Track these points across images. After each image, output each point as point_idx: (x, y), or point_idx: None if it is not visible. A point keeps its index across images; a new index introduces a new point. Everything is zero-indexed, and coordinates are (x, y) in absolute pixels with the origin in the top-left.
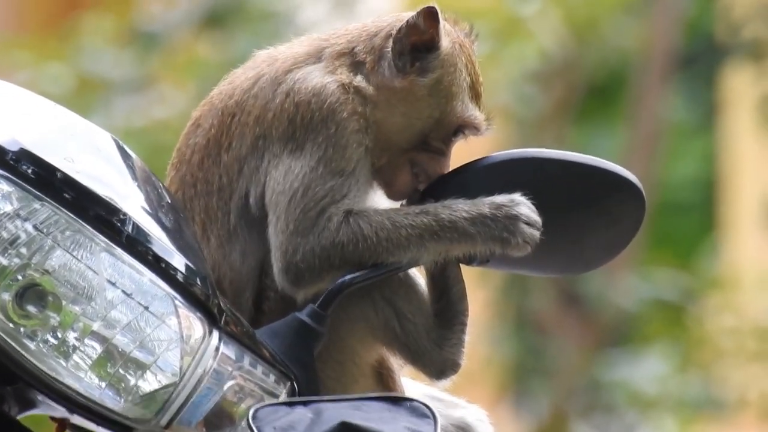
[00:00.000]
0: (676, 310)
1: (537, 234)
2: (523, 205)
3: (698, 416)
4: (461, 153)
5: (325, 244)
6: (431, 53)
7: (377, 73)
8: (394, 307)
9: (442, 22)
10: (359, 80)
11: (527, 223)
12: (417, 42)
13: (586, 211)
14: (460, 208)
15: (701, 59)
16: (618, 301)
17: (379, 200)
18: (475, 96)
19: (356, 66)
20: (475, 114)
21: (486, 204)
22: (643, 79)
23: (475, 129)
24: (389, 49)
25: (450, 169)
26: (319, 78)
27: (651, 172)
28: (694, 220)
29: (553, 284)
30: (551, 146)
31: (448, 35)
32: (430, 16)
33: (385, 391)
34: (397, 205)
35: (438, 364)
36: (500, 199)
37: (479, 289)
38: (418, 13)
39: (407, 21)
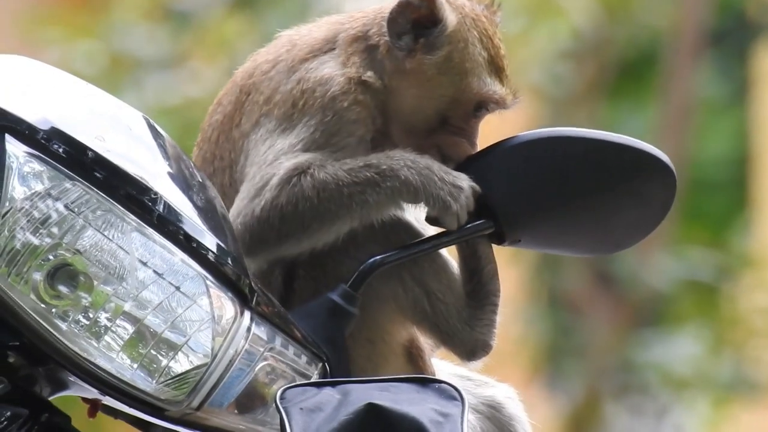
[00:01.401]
0: (708, 290)
1: (465, 216)
2: (466, 182)
3: (731, 397)
4: (490, 132)
5: (265, 205)
6: (435, 28)
7: (392, 56)
8: (423, 287)
9: None
10: (369, 74)
11: (467, 201)
12: (418, 19)
13: (617, 191)
14: (406, 157)
15: (732, 36)
16: (650, 280)
17: None
18: (496, 70)
19: (370, 51)
20: (495, 89)
21: (436, 164)
22: (674, 56)
23: (496, 104)
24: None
25: (477, 148)
26: (329, 70)
27: (682, 150)
28: (726, 197)
29: (585, 264)
30: (583, 125)
31: (456, 9)
32: None
33: (415, 371)
34: None
35: (469, 345)
36: (450, 171)
37: (511, 268)
38: None
39: (399, 1)
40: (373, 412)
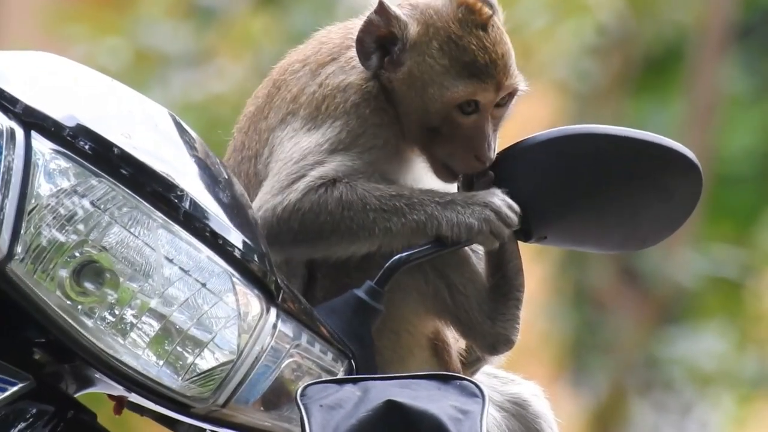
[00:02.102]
0: (733, 286)
1: (506, 230)
2: (497, 197)
3: (756, 393)
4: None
5: (288, 206)
6: (396, 45)
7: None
8: (445, 279)
9: (395, 11)
10: (370, 85)
11: (497, 214)
12: (382, 37)
13: (643, 188)
14: (435, 193)
15: (758, 31)
16: (675, 276)
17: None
18: (463, 67)
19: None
20: (458, 89)
21: (462, 194)
22: (699, 51)
23: (472, 101)
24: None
25: (485, 146)
26: (342, 76)
27: (707, 145)
28: (752, 192)
29: (611, 260)
30: (609, 121)
31: (423, 20)
32: (381, 9)
33: (440, 364)
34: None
35: (490, 338)
36: (479, 193)
37: (537, 264)
38: (373, 8)
39: (364, 20)
40: (392, 409)
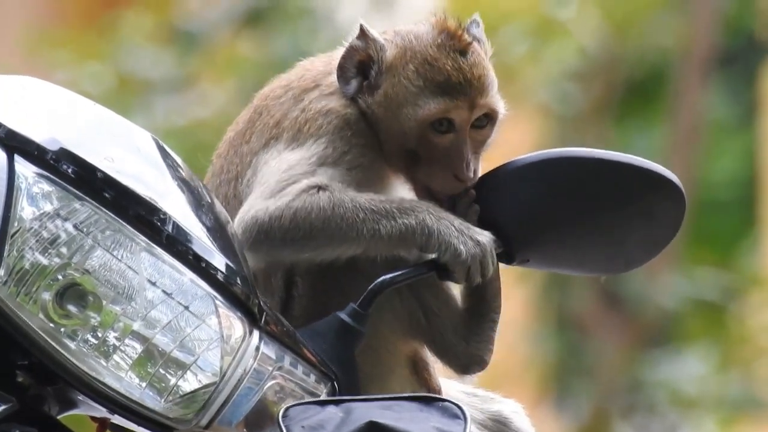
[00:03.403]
0: (716, 309)
1: (479, 277)
2: (488, 241)
3: (739, 416)
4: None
5: (281, 204)
6: (372, 69)
7: (345, 94)
8: (420, 301)
9: (373, 35)
10: (349, 112)
11: (482, 260)
12: (362, 61)
13: (626, 211)
14: (429, 205)
15: (741, 57)
16: (658, 300)
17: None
18: (438, 88)
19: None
20: (433, 107)
21: (458, 219)
22: (682, 76)
23: (445, 120)
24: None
25: (464, 165)
26: (325, 101)
27: (691, 170)
28: (734, 217)
29: (593, 284)
30: (591, 144)
31: (400, 44)
32: (362, 33)
33: (420, 382)
34: None
35: (463, 359)
36: (473, 226)
37: (520, 288)
38: (356, 34)
39: (347, 47)
40: (374, 431)
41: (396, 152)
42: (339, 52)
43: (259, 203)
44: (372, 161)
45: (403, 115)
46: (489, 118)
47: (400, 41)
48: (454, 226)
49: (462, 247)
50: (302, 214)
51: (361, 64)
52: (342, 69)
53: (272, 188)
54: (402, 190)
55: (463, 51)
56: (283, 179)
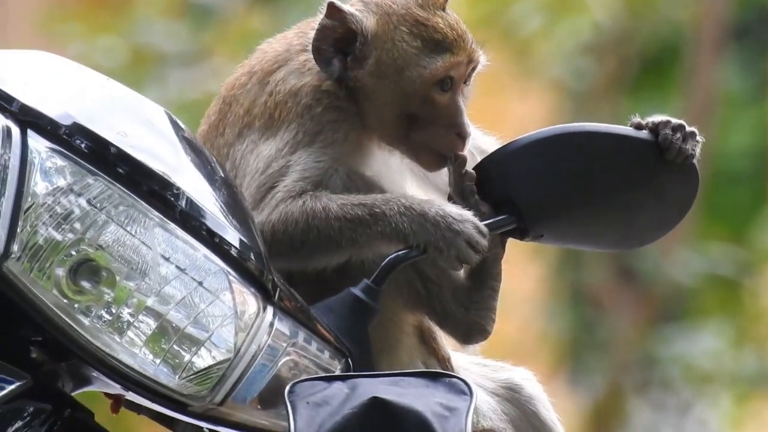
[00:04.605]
0: (731, 284)
1: (475, 257)
2: (469, 224)
3: (754, 391)
4: (514, 126)
5: (261, 220)
6: (356, 42)
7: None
8: (418, 270)
9: (347, 9)
10: (329, 84)
11: (468, 243)
12: (340, 38)
13: (640, 187)
14: (401, 203)
15: (754, 30)
16: (672, 275)
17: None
18: (436, 46)
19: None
20: (438, 64)
21: (434, 207)
22: (696, 50)
23: (452, 73)
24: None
25: (465, 120)
26: (295, 80)
27: (704, 144)
28: (748, 191)
29: (607, 259)
30: (605, 119)
31: (379, 12)
32: (333, 11)
33: (428, 351)
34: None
35: (463, 327)
36: (451, 209)
37: (534, 264)
38: (323, 14)
39: (317, 28)
40: (377, 406)
41: (391, 119)
42: (295, 31)
43: None
44: (347, 134)
45: (404, 78)
46: (473, 71)
47: (376, 8)
48: (429, 221)
49: (441, 243)
50: (280, 228)
51: (339, 41)
52: (318, 51)
53: (254, 197)
54: (383, 159)
55: (443, 7)
56: (262, 184)
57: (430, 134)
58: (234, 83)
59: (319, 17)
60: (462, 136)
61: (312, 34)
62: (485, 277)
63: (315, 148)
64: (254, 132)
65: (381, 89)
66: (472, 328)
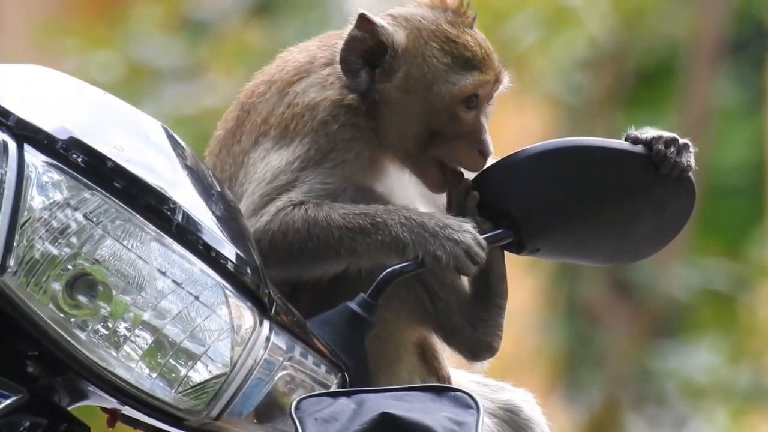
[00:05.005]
0: (726, 299)
1: (473, 267)
2: (468, 234)
3: (749, 406)
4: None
5: (259, 228)
6: (386, 55)
7: (357, 88)
8: (425, 286)
9: (379, 22)
10: (351, 98)
11: (467, 253)
12: (368, 50)
13: (636, 202)
14: (402, 213)
15: (750, 44)
16: (668, 289)
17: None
18: (466, 63)
19: (343, 78)
20: (467, 81)
21: (434, 219)
22: (691, 65)
23: (478, 92)
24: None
25: (486, 139)
26: (315, 94)
27: (700, 158)
28: (744, 205)
29: (603, 273)
30: (601, 134)
31: (409, 26)
32: (364, 22)
33: (428, 370)
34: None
35: (471, 344)
36: (451, 220)
37: (530, 277)
38: (353, 25)
39: (346, 38)
40: (387, 422)
41: (413, 134)
42: (317, 44)
43: None
44: (359, 154)
45: (433, 93)
46: (496, 92)
47: (406, 23)
48: (428, 232)
49: (439, 252)
50: (279, 236)
51: (367, 53)
52: (346, 61)
53: (255, 204)
54: (396, 175)
55: (471, 26)
56: (266, 194)
57: (451, 150)
58: (253, 91)
59: (348, 28)
60: (484, 153)
61: (338, 47)
62: (492, 294)
63: (325, 168)
64: (268, 140)
65: (407, 103)
66: (479, 346)
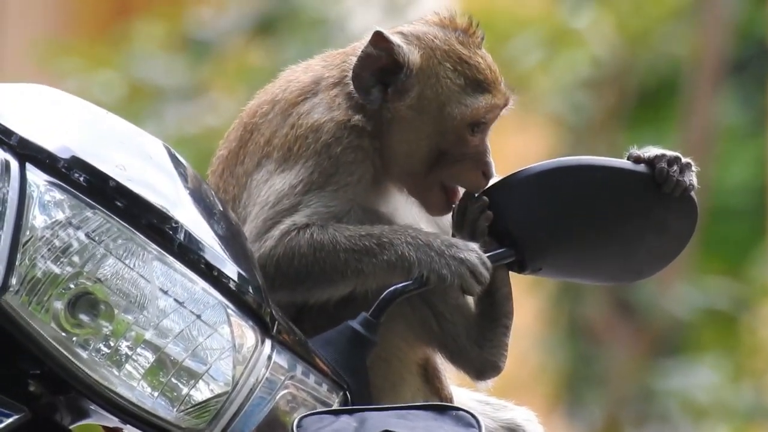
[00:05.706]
0: (728, 319)
1: (477, 287)
2: (473, 254)
3: (751, 426)
4: (512, 159)
5: (264, 253)
6: (400, 74)
7: (368, 106)
8: (431, 307)
9: (395, 40)
10: (358, 118)
11: (471, 272)
12: (382, 68)
13: (638, 221)
14: (408, 233)
15: (752, 64)
16: (670, 309)
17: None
18: (477, 86)
19: (351, 98)
20: (478, 104)
21: (440, 238)
22: (694, 84)
23: (487, 115)
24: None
25: (490, 163)
26: (318, 115)
27: (702, 178)
28: (746, 225)
29: (605, 292)
30: (603, 153)
31: (423, 45)
32: (379, 40)
33: (431, 390)
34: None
35: (477, 364)
36: (456, 240)
37: (532, 296)
38: (367, 42)
39: (360, 55)
40: None
41: (420, 154)
42: (321, 63)
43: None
44: (362, 176)
45: (445, 114)
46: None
47: (419, 42)
48: (434, 251)
49: (444, 270)
50: (285, 261)
51: (380, 71)
52: (359, 78)
53: (259, 228)
54: (400, 196)
55: (479, 46)
56: (269, 218)
57: (455, 171)
58: (256, 110)
59: (362, 45)
60: (488, 175)
61: (347, 66)
62: (498, 314)
63: (328, 191)
64: (271, 162)
65: (418, 123)
66: (485, 365)
